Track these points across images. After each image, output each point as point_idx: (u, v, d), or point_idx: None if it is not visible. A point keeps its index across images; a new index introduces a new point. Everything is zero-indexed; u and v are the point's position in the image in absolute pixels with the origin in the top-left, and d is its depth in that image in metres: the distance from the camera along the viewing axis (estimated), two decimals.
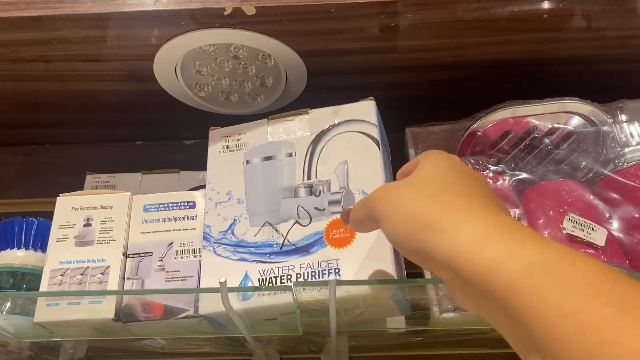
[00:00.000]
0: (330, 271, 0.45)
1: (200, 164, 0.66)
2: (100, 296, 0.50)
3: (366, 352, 0.63)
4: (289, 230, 0.49)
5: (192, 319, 0.49)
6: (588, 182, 0.54)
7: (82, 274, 0.51)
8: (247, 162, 0.54)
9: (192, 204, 0.55)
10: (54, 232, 0.54)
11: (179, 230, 0.54)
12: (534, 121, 0.53)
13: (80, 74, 0.61)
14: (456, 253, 0.29)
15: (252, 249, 0.49)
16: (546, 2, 0.51)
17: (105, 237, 0.53)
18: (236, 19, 0.52)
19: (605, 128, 0.52)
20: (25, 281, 0.55)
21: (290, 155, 0.53)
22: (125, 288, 0.52)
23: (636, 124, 0.54)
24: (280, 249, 0.48)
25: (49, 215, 0.55)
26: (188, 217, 0.55)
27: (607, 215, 0.49)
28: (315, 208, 0.49)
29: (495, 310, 0.27)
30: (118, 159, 0.74)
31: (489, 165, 0.52)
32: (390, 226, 0.33)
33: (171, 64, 0.58)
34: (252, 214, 0.51)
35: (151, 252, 0.53)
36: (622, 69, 0.59)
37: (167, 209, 0.55)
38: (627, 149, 0.52)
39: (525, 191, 0.52)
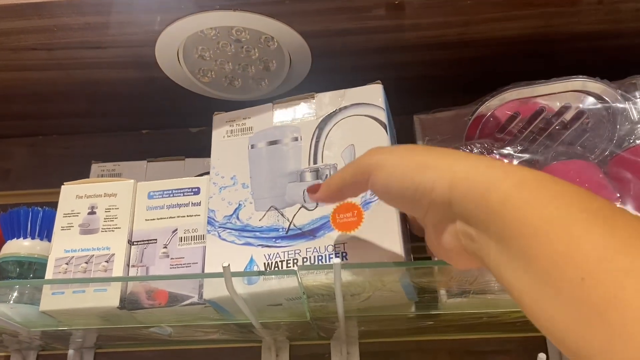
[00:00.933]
0: (337, 255, 0.44)
1: (206, 151, 0.66)
2: (105, 284, 0.49)
3: (376, 338, 0.62)
4: (295, 215, 0.48)
5: (197, 306, 0.48)
6: (602, 162, 0.52)
7: (86, 262, 0.51)
8: (252, 146, 0.53)
9: (196, 189, 0.55)
10: (59, 221, 0.54)
11: (183, 216, 0.53)
12: (543, 102, 0.52)
13: (83, 62, 0.60)
14: (456, 180, 0.31)
15: (257, 234, 0.48)
16: None
17: (109, 225, 0.53)
18: (237, 1, 0.51)
19: (616, 105, 0.51)
20: (32, 270, 0.55)
21: (296, 139, 0.52)
22: (130, 275, 0.51)
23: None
24: (287, 233, 0.47)
25: (57, 205, 0.55)
26: (192, 203, 0.54)
27: (618, 195, 0.47)
28: None
29: (492, 227, 0.29)
30: (125, 148, 0.74)
31: (494, 149, 0.51)
32: (387, 171, 0.35)
33: (173, 49, 0.58)
34: (257, 198, 0.50)
35: (155, 239, 0.53)
36: (636, 43, 0.57)
37: (172, 195, 0.55)
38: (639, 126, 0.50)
39: None
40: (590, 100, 0.52)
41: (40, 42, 0.57)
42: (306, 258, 0.45)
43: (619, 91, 0.52)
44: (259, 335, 0.58)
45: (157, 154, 0.67)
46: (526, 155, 0.52)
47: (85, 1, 0.51)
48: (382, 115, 0.50)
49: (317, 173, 0.50)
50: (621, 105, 0.51)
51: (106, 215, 0.54)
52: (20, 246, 0.56)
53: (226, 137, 0.55)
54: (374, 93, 0.52)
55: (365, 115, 0.51)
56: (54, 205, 0.56)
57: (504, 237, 0.28)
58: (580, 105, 0.53)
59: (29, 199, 0.71)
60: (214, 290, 0.46)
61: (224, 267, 0.41)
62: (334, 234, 0.46)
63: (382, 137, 0.49)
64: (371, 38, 0.57)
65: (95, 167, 0.64)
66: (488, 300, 0.49)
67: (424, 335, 0.62)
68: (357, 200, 0.46)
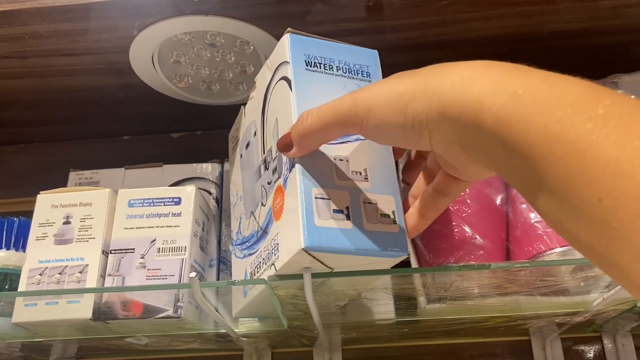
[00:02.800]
0: (275, 249, 0.39)
1: (187, 156, 0.65)
2: (78, 295, 0.49)
3: (360, 344, 0.62)
4: (259, 215, 0.44)
5: (171, 319, 0.47)
6: None
7: (60, 273, 0.50)
8: (241, 156, 0.51)
9: (177, 200, 0.53)
10: (34, 231, 0.53)
11: (163, 227, 0.52)
12: None
13: (58, 69, 0.60)
14: (447, 105, 0.28)
15: (247, 244, 0.47)
16: None
17: (84, 235, 0.52)
18: (208, 5, 0.51)
19: None
20: (7, 282, 0.54)
21: (255, 134, 0.47)
22: (106, 284, 0.50)
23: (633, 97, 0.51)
24: (258, 237, 0.44)
25: None
26: (173, 213, 0.53)
27: None
28: (268, 183, 0.43)
29: (494, 151, 0.27)
30: (106, 155, 0.73)
31: None
32: (378, 116, 0.32)
33: (147, 55, 0.57)
34: (246, 207, 0.48)
35: (133, 249, 0.52)
36: (617, 41, 0.56)
37: (152, 204, 0.54)
38: None
39: None
40: None
41: (12, 51, 0.56)
42: (263, 259, 0.41)
43: None
44: (238, 344, 0.57)
45: (138, 159, 0.66)
46: None
47: (54, 8, 0.51)
48: (288, 71, 0.40)
49: (265, 164, 0.44)
50: None
51: (81, 225, 0.53)
52: None
53: (232, 155, 0.54)
54: (282, 48, 0.43)
55: (281, 79, 0.42)
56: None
57: (508, 162, 0.26)
58: None
59: (8, 208, 0.70)
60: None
61: (191, 279, 0.40)
62: (274, 226, 0.40)
63: (288, 97, 0.40)
64: (350, 40, 0.56)
65: (73, 175, 0.63)
66: (468, 307, 0.49)
67: (408, 340, 0.61)
68: (280, 181, 0.40)
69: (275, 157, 0.42)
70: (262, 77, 0.46)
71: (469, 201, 0.49)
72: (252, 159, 0.48)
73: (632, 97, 0.24)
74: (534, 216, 0.45)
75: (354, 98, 0.33)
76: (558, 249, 0.46)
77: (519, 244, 0.48)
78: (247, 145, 0.50)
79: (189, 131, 0.73)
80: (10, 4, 0.51)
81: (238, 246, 0.49)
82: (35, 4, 0.50)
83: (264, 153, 0.44)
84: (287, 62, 0.41)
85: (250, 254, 0.45)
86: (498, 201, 0.49)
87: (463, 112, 0.27)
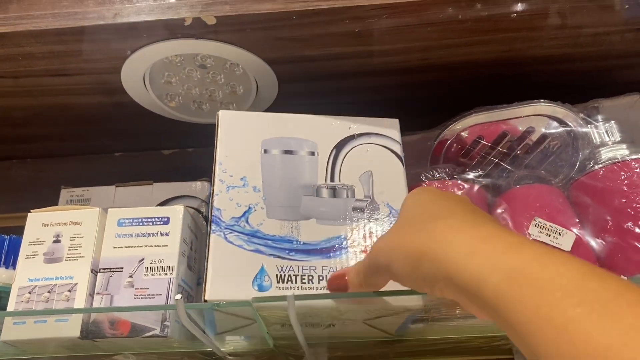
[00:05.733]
0: None
1: (179, 173, 0.66)
2: (66, 314, 0.49)
3: None
4: (309, 229, 0.48)
5: (158, 338, 0.48)
6: (565, 186, 0.52)
7: (49, 292, 0.51)
8: (265, 151, 0.52)
9: (165, 219, 0.54)
10: (24, 249, 0.54)
11: (151, 246, 0.53)
12: (506, 126, 0.52)
13: (50, 89, 0.61)
14: (452, 275, 0.31)
15: (269, 242, 0.47)
16: (516, 1, 0.50)
17: (74, 254, 0.53)
18: (198, 29, 0.52)
19: (578, 130, 0.51)
20: None
21: (313, 153, 0.52)
22: (95, 303, 0.51)
23: (612, 123, 0.52)
24: (301, 246, 0.47)
25: None
26: (161, 233, 0.54)
27: (577, 220, 0.47)
28: (339, 211, 0.49)
29: (496, 317, 0.29)
30: (98, 171, 0.74)
31: (456, 174, 0.51)
32: (397, 271, 0.35)
33: (139, 75, 0.58)
34: (270, 205, 0.49)
35: (122, 268, 0.52)
36: (598, 66, 0.58)
37: (141, 223, 0.54)
38: (601, 149, 0.51)
39: (496, 198, 0.51)
40: (554, 124, 0.53)
41: (5, 71, 0.57)
42: (322, 276, 0.45)
43: (581, 115, 0.52)
44: None
45: (130, 176, 0.67)
46: (488, 180, 0.52)
47: (47, 31, 0.52)
48: (399, 149, 0.52)
49: (334, 191, 0.50)
50: (583, 130, 0.52)
51: (71, 244, 0.53)
52: None
53: (236, 136, 0.53)
54: (391, 127, 0.54)
55: (383, 146, 0.53)
56: None
57: (507, 330, 0.28)
58: (543, 129, 0.53)
59: (3, 223, 0.71)
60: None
61: (176, 300, 0.41)
62: (349, 255, 0.46)
63: (399, 170, 0.51)
64: (337, 64, 0.57)
65: (64, 193, 0.64)
66: (451, 327, 0.49)
67: (396, 359, 0.61)
68: (372, 226, 0.48)
69: (365, 200, 0.50)
70: (345, 122, 0.54)
71: None
72: (298, 170, 0.51)
73: (620, 278, 0.26)
74: None
75: (377, 256, 0.37)
76: None
77: None
78: (289, 152, 0.52)
79: (179, 148, 0.74)
80: (4, 26, 0.52)
81: (239, 234, 0.47)
82: (29, 27, 0.51)
83: (331, 180, 0.51)
84: (397, 142, 0.53)
85: (282, 258, 0.46)
86: None
87: (466, 284, 0.30)
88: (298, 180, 0.50)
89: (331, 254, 0.46)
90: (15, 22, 0.51)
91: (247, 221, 0.48)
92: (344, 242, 0.47)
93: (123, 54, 0.54)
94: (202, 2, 0.50)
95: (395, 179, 0.51)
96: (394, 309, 0.44)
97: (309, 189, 0.50)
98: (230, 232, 0.47)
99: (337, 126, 0.53)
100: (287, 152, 0.52)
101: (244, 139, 0.52)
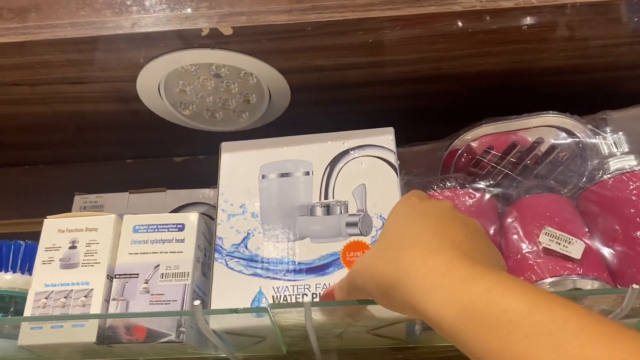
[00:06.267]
0: None
1: (190, 180, 0.67)
2: (83, 320, 0.50)
3: None
4: (304, 249, 0.49)
5: (174, 344, 0.49)
6: (574, 196, 0.53)
7: (65, 297, 0.52)
8: (263, 176, 0.54)
9: (181, 226, 0.55)
10: (40, 255, 0.54)
11: (166, 252, 0.54)
12: (516, 137, 0.53)
13: (66, 96, 0.61)
14: (416, 306, 0.33)
15: (266, 265, 0.49)
16: (526, 14, 0.51)
17: (89, 260, 0.54)
18: (214, 39, 0.53)
19: (586, 141, 0.52)
20: (12, 304, 0.55)
21: (307, 173, 0.53)
22: (110, 309, 0.52)
23: (620, 134, 0.53)
24: (296, 267, 0.48)
25: None
26: (176, 239, 0.54)
27: (586, 229, 0.48)
28: (332, 228, 0.50)
29: (457, 345, 0.31)
30: (110, 177, 0.75)
31: (467, 183, 0.52)
32: (371, 294, 0.38)
33: (154, 84, 0.59)
34: (267, 229, 0.51)
35: (137, 274, 0.53)
36: (606, 78, 0.59)
37: (157, 230, 0.55)
38: (610, 160, 0.51)
39: (506, 207, 0.51)
40: (562, 135, 0.53)
41: (22, 79, 0.58)
42: (315, 294, 0.46)
43: (589, 126, 0.53)
44: None
45: (142, 183, 0.67)
46: (498, 189, 0.53)
47: (65, 40, 0.52)
48: (393, 158, 0.52)
49: (327, 208, 0.51)
50: (591, 141, 0.52)
51: (86, 250, 0.54)
52: (2, 280, 0.56)
53: (236, 166, 0.55)
54: (385, 136, 0.54)
55: (376, 157, 0.53)
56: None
57: (467, 355, 0.30)
58: (552, 140, 0.54)
59: (17, 229, 0.72)
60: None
61: (194, 306, 0.41)
62: (344, 272, 0.47)
63: (392, 180, 0.51)
64: (349, 74, 0.58)
65: (78, 199, 0.65)
66: None
67: None
68: (367, 239, 0.48)
69: (358, 215, 0.50)
70: (338, 137, 0.54)
71: None
72: (294, 191, 0.52)
73: (568, 303, 0.28)
74: (525, 247, 0.47)
75: (354, 277, 0.40)
76: (549, 279, 0.47)
77: (511, 274, 0.50)
78: (285, 175, 0.54)
79: (191, 155, 0.75)
80: (23, 35, 0.53)
81: (239, 259, 0.50)
82: (48, 36, 0.52)
83: (325, 198, 0.52)
84: (391, 150, 0.53)
85: (278, 279, 0.48)
86: (491, 231, 0.51)
87: (429, 318, 0.32)
88: (293, 201, 0.52)
89: (325, 272, 0.47)
90: (34, 31, 0.52)
91: (245, 246, 0.50)
92: (338, 259, 0.48)
93: (139, 62, 0.55)
94: (219, 12, 0.51)
95: (388, 189, 0.51)
96: (384, 320, 0.45)
97: (304, 209, 0.51)
98: (231, 259, 0.50)
99: (331, 143, 0.54)
100: (283, 174, 0.53)
101: (244, 167, 0.54)
